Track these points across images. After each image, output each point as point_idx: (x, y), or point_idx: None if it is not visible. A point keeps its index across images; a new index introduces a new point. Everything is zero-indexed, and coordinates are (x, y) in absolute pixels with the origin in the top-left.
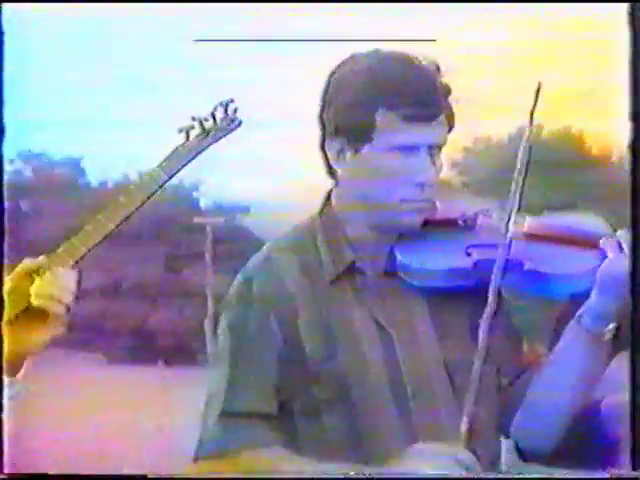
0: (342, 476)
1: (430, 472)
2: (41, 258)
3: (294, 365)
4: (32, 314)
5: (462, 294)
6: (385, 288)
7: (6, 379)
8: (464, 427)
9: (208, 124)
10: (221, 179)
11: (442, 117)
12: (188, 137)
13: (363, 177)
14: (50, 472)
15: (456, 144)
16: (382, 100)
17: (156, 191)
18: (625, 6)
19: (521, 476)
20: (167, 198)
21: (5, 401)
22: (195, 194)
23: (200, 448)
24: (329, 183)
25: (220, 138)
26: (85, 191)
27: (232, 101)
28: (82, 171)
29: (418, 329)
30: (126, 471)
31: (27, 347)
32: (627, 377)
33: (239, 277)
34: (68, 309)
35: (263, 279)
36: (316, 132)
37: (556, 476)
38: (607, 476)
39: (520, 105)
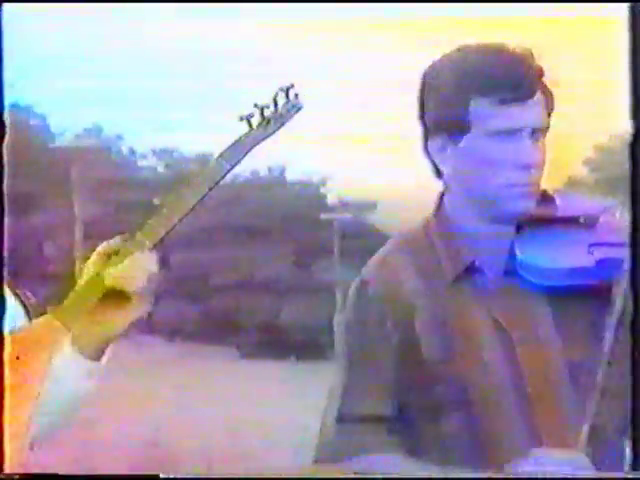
0: (342, 476)
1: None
2: (118, 240)
3: (412, 367)
4: (113, 297)
5: (584, 293)
6: (505, 287)
7: (89, 363)
8: (585, 430)
9: (269, 111)
10: (348, 175)
11: (538, 96)
12: (250, 125)
13: (467, 169)
14: (103, 471)
15: (587, 141)
16: (473, 87)
17: (219, 181)
18: (625, 6)
19: (526, 476)
20: (295, 195)
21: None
22: (322, 190)
23: (318, 451)
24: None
25: (282, 125)
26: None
27: (292, 86)
28: None
29: (539, 329)
30: (255, 466)
31: (109, 331)
32: (627, 377)
33: (357, 279)
34: (149, 291)
35: (380, 281)
36: None
37: (556, 476)
38: (607, 476)
39: None
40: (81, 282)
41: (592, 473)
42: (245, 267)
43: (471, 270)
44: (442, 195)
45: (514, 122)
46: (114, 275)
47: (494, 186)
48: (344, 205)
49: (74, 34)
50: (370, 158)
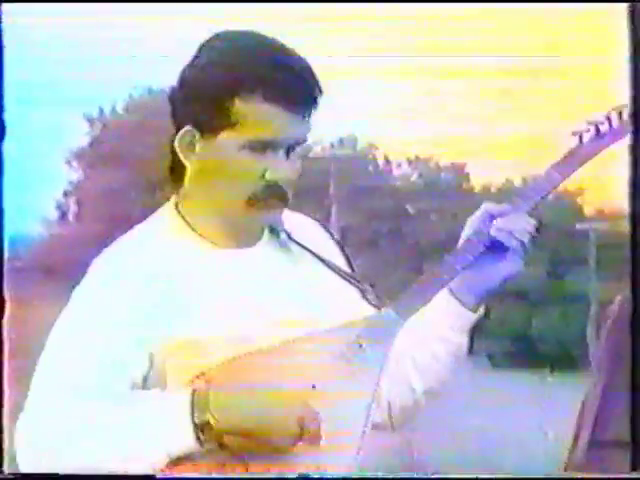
0: (342, 476)
1: None
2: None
3: None
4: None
5: None
6: None
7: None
8: None
9: (603, 127)
10: (604, 185)
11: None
12: (581, 140)
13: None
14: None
15: None
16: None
17: (549, 192)
18: (625, 6)
19: (525, 476)
20: (550, 204)
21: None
22: (579, 200)
23: (567, 468)
24: None
25: (614, 142)
26: (467, 196)
27: (626, 106)
28: (467, 176)
29: None
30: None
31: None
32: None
33: (617, 299)
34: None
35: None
36: None
37: (556, 476)
38: (607, 476)
39: None
40: None
41: (592, 473)
42: None
43: None
44: None
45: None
46: (497, 227)
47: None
48: (600, 215)
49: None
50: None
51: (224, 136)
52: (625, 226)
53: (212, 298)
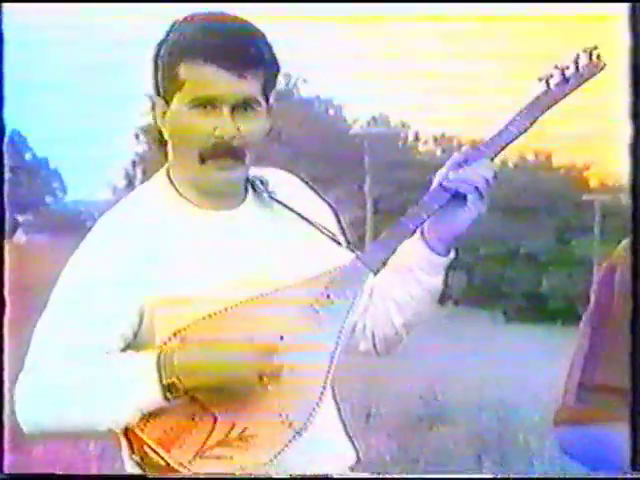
0: (342, 476)
1: None
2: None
3: None
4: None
5: None
6: None
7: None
8: None
9: (569, 71)
10: (609, 160)
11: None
12: (548, 85)
13: None
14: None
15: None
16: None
17: (516, 137)
18: (625, 6)
19: (527, 476)
20: (559, 178)
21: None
22: (586, 174)
23: (558, 414)
24: None
25: (581, 84)
26: None
27: (596, 48)
28: None
29: None
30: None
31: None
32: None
33: (607, 261)
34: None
35: (627, 266)
36: None
37: (557, 476)
38: (607, 476)
39: None
40: None
41: (592, 473)
42: (512, 241)
43: None
44: None
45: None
46: (456, 177)
47: None
48: (604, 188)
49: None
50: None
51: (177, 99)
52: (626, 199)
53: (195, 258)
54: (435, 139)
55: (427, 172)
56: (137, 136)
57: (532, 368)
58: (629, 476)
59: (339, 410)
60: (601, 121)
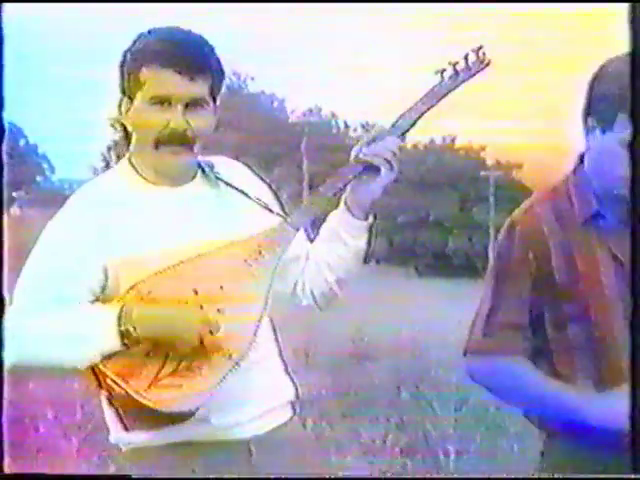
0: (342, 476)
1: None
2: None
3: (545, 289)
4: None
5: None
6: (621, 231)
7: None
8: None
9: (460, 66)
10: (502, 142)
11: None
12: (443, 78)
13: (604, 155)
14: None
15: None
16: (623, 104)
17: (416, 120)
18: (625, 6)
19: (525, 476)
20: (461, 157)
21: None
22: (482, 154)
23: (468, 345)
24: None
25: (470, 77)
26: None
27: (481, 47)
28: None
29: None
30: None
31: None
32: (627, 377)
33: (508, 220)
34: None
35: (526, 222)
36: None
37: (556, 476)
38: (607, 476)
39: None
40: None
41: (592, 473)
42: (422, 210)
43: (596, 217)
44: (582, 158)
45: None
46: (367, 152)
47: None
48: (498, 165)
49: None
50: (519, 128)
51: (139, 97)
52: (516, 174)
53: (151, 225)
54: (362, 126)
55: None
56: (112, 125)
57: (440, 314)
58: (629, 476)
59: (280, 351)
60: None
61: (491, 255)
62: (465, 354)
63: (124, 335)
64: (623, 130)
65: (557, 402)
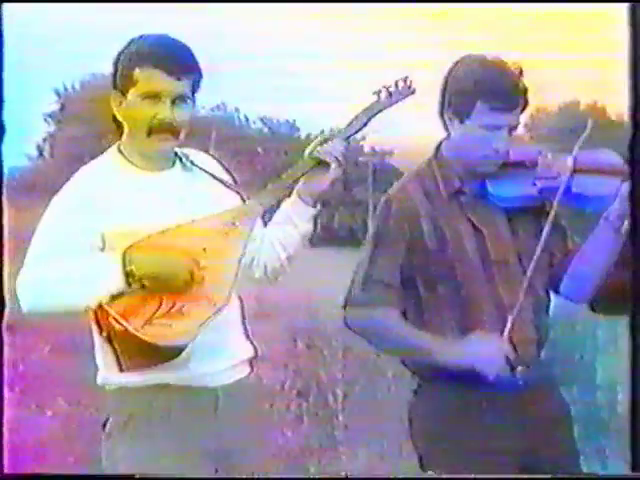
0: (343, 476)
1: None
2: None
3: (417, 254)
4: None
5: (530, 209)
6: (480, 204)
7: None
8: (509, 322)
9: (392, 89)
10: (378, 131)
11: (519, 108)
12: (379, 97)
13: (465, 140)
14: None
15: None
16: (480, 94)
17: (360, 128)
18: (625, 6)
19: (526, 476)
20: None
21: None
22: (361, 142)
23: (347, 298)
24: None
25: (400, 100)
26: (296, 140)
27: (408, 77)
28: (297, 127)
29: (500, 229)
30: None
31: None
32: (627, 377)
33: (385, 197)
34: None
35: (400, 198)
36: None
37: (556, 476)
38: (607, 476)
39: None
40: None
41: (593, 473)
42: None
43: (459, 192)
44: (439, 145)
45: (497, 122)
46: (320, 150)
47: (477, 157)
48: (375, 151)
49: None
50: (393, 119)
51: (132, 93)
52: (389, 159)
53: (138, 203)
54: (261, 120)
55: (256, 143)
56: (45, 120)
57: (329, 278)
58: (629, 476)
59: (244, 317)
60: None
61: (370, 227)
62: (344, 307)
63: (128, 275)
64: (482, 117)
65: (422, 349)
